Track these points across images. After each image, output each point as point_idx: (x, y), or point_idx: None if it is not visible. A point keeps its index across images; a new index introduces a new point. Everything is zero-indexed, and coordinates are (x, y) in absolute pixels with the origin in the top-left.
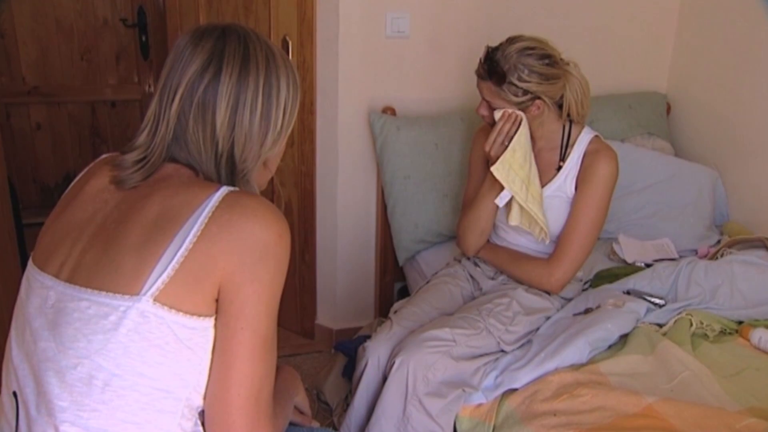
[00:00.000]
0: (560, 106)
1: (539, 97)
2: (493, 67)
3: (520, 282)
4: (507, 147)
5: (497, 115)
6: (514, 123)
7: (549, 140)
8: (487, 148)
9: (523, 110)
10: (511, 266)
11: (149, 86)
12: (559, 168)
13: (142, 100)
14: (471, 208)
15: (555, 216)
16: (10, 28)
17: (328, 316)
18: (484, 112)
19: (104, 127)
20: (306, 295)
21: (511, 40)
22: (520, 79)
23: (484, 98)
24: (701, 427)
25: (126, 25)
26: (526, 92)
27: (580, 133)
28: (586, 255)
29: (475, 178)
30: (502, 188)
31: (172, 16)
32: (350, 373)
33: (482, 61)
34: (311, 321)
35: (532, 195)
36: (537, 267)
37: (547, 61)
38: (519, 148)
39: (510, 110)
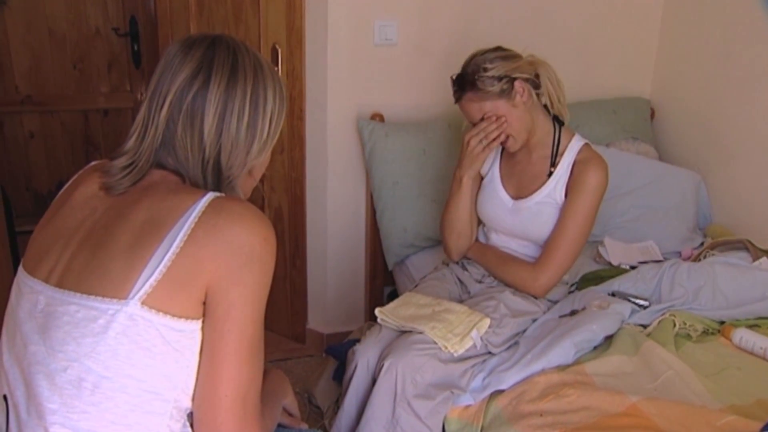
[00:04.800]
0: (545, 105)
1: (514, 78)
2: (462, 79)
3: (505, 284)
4: (485, 148)
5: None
6: (498, 126)
7: (542, 147)
8: (467, 138)
9: (509, 99)
10: (497, 268)
11: (141, 94)
12: (550, 174)
13: (134, 108)
14: (445, 210)
15: (544, 222)
16: (3, 37)
17: (319, 320)
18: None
19: (97, 135)
20: (297, 299)
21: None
22: (485, 69)
23: (475, 119)
24: (684, 425)
25: (118, 35)
26: (500, 78)
27: (570, 140)
28: (572, 261)
29: None
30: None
31: (164, 25)
32: (340, 376)
33: (453, 85)
34: (302, 325)
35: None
36: (522, 270)
37: (498, 50)
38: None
39: (495, 117)
